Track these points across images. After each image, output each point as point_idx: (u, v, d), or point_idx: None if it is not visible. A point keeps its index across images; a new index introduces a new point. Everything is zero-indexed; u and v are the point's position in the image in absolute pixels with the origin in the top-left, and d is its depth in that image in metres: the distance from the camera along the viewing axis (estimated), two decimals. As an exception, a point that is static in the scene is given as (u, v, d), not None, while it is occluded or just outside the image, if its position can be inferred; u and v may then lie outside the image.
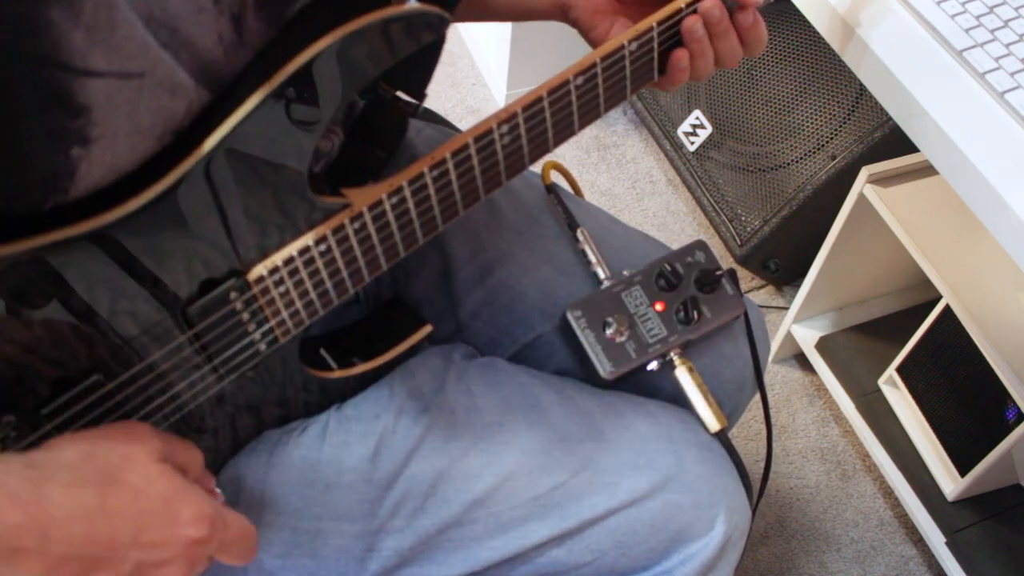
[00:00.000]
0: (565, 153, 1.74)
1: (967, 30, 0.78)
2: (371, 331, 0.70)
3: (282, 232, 0.54)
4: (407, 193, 0.56)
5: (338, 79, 0.49)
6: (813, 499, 1.36)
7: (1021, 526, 1.17)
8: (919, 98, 0.77)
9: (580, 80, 0.59)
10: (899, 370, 1.24)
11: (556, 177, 0.84)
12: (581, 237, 0.77)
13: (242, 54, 0.49)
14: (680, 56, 0.65)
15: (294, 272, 0.55)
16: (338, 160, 0.64)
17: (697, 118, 1.54)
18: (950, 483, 1.19)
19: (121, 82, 0.44)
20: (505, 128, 0.58)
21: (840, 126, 1.36)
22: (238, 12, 0.48)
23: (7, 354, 0.48)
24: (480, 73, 1.87)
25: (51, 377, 0.50)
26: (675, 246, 0.79)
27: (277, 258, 0.54)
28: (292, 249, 0.54)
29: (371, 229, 0.57)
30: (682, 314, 0.74)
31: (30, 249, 0.44)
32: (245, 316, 0.55)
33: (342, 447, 0.65)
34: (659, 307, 0.74)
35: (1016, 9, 0.80)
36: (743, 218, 1.48)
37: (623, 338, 0.73)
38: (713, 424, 0.72)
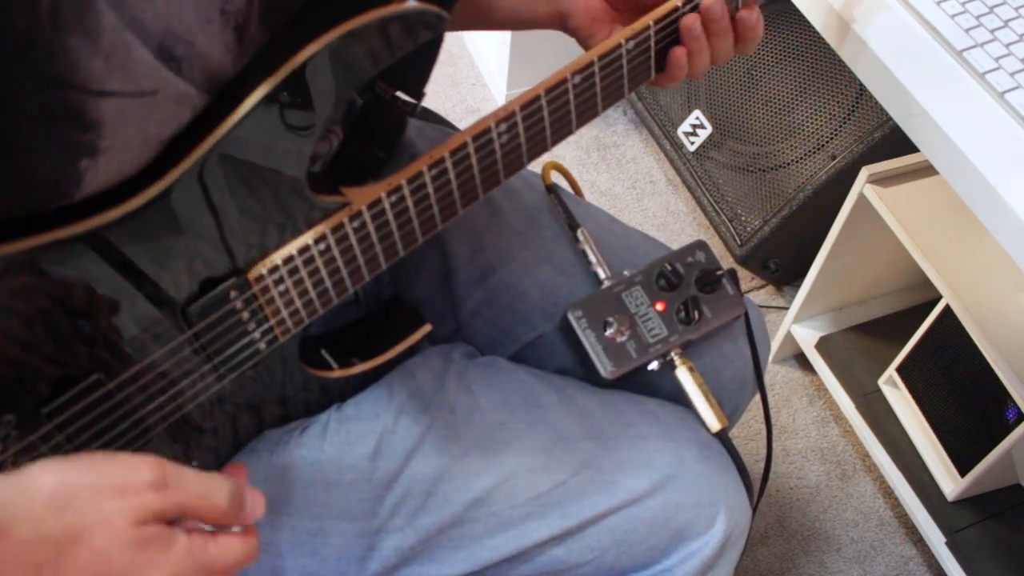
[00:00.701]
0: (565, 153, 1.74)
1: (967, 30, 0.78)
2: (371, 330, 0.70)
3: (281, 231, 0.54)
4: (406, 192, 0.56)
5: (333, 81, 0.49)
6: (813, 499, 1.36)
7: (1021, 526, 1.17)
8: (919, 98, 0.77)
9: (578, 79, 0.59)
10: (899, 370, 1.24)
11: (556, 177, 0.84)
12: (581, 237, 0.77)
13: (244, 63, 0.49)
14: (679, 54, 0.65)
15: (294, 271, 0.55)
16: (337, 159, 0.64)
17: (697, 118, 1.54)
18: (950, 483, 1.19)
19: (135, 100, 0.44)
20: (503, 127, 0.58)
21: (840, 126, 1.36)
22: (242, 22, 0.48)
23: (7, 353, 0.47)
24: (480, 73, 1.87)
25: (52, 376, 0.50)
26: (675, 246, 0.79)
27: (276, 257, 0.54)
28: (291, 248, 0.54)
29: (370, 228, 0.57)
30: (683, 314, 0.74)
31: (27, 249, 0.44)
32: (245, 315, 0.55)
33: (342, 446, 0.66)
34: (660, 307, 0.74)
35: (1016, 9, 0.80)
36: (743, 218, 1.48)
37: (624, 338, 0.73)
38: (714, 424, 0.72)
